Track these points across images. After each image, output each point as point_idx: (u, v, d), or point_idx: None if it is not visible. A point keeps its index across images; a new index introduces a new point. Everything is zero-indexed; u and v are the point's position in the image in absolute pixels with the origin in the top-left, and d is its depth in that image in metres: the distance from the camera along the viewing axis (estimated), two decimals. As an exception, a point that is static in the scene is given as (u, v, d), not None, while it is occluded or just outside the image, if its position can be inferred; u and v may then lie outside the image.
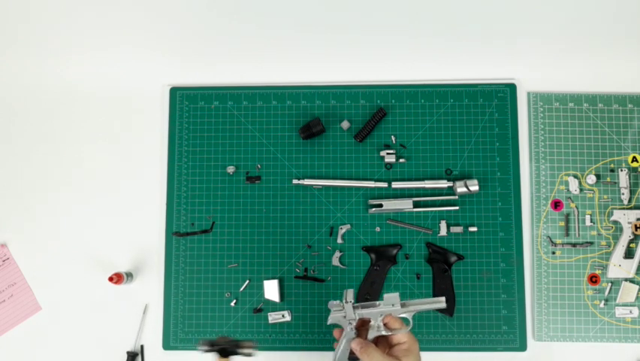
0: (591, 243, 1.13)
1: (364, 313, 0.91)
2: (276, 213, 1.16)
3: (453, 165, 1.17)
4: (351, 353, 0.91)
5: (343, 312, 0.91)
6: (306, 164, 1.18)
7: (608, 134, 1.16)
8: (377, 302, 0.91)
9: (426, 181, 1.15)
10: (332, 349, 1.12)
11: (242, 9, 1.05)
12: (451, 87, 1.18)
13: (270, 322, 1.14)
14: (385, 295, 0.91)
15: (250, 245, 1.16)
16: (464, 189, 1.13)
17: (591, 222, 1.14)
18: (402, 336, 0.89)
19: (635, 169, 1.14)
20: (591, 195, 1.15)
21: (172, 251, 1.16)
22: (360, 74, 1.20)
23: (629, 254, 1.12)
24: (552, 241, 1.14)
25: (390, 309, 0.90)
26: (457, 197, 1.14)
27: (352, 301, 0.91)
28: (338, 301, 0.93)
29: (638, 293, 1.12)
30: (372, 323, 0.90)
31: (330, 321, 0.93)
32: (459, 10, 1.05)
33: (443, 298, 0.90)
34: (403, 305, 0.91)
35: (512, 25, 1.09)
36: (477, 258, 1.14)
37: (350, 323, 0.90)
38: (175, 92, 1.20)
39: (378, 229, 1.15)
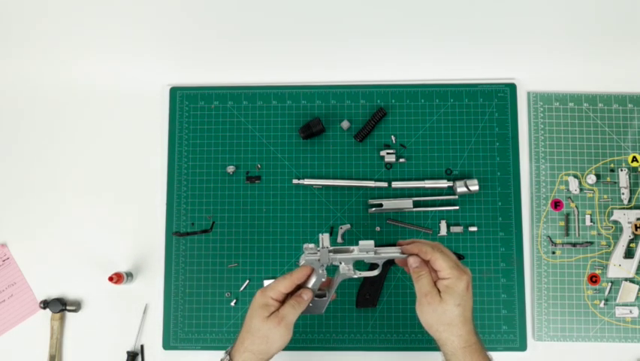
0: (591, 243, 1.13)
1: (338, 258, 0.92)
2: (276, 213, 1.16)
3: (453, 164, 1.17)
4: (320, 289, 0.93)
5: (317, 255, 0.91)
6: (306, 164, 1.18)
7: (608, 134, 1.16)
8: (351, 248, 0.92)
9: (426, 181, 1.15)
10: (333, 349, 1.13)
11: (242, 9, 1.05)
12: (451, 87, 1.18)
13: (270, 322, 1.14)
14: (361, 242, 0.91)
15: (250, 245, 1.16)
16: (464, 189, 1.13)
17: (591, 222, 1.14)
18: (445, 271, 0.85)
19: (635, 169, 1.14)
20: (591, 195, 1.15)
21: (172, 251, 1.16)
22: (360, 74, 1.20)
23: (629, 254, 1.12)
24: (552, 241, 1.14)
25: (364, 256, 0.91)
26: (457, 197, 1.14)
27: (328, 246, 0.91)
28: (314, 245, 0.92)
29: (638, 293, 1.12)
30: (342, 266, 0.92)
31: (301, 263, 0.92)
32: (459, 10, 1.05)
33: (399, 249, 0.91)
34: (375, 252, 0.91)
35: (512, 25, 1.09)
36: (477, 258, 1.14)
37: (322, 266, 0.91)
38: (175, 92, 1.20)
39: (378, 228, 1.15)
